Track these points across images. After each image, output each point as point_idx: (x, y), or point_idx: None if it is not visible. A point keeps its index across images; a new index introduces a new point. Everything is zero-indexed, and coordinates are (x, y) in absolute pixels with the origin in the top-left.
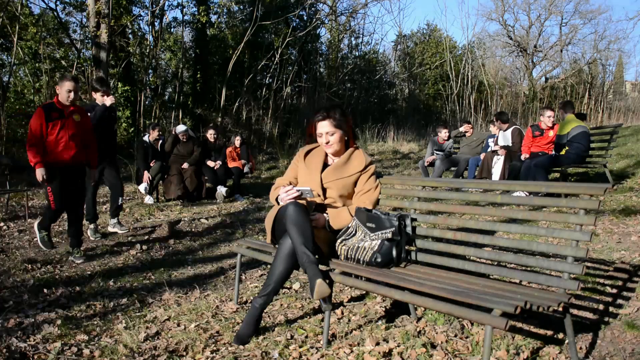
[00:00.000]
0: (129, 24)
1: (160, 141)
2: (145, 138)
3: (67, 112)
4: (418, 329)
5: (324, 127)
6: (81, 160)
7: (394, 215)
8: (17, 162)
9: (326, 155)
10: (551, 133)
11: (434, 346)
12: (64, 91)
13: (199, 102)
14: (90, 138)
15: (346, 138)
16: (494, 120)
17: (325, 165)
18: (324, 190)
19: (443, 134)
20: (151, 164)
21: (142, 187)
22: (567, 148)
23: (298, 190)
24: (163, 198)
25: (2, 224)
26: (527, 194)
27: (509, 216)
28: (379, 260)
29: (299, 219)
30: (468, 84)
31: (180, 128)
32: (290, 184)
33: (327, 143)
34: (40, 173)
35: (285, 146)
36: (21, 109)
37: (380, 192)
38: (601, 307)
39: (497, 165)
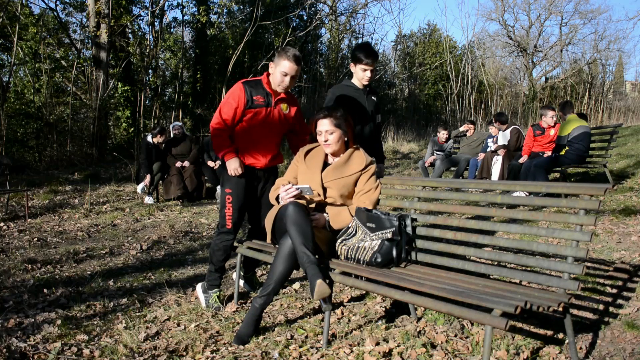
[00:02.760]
0: (129, 24)
1: (164, 144)
2: (149, 139)
3: (276, 99)
4: (418, 329)
5: (324, 126)
6: (277, 165)
7: (394, 216)
8: (17, 162)
9: (326, 154)
10: (552, 132)
11: (434, 346)
12: (278, 73)
13: (199, 102)
14: (296, 133)
15: (346, 139)
16: (493, 121)
17: (325, 164)
18: (324, 189)
19: (442, 135)
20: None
21: (140, 188)
22: (567, 148)
23: (297, 189)
24: (163, 198)
25: (2, 224)
26: (527, 194)
27: (509, 216)
28: (379, 260)
29: (299, 219)
30: (468, 84)
31: (175, 124)
32: (290, 183)
33: (325, 141)
34: (234, 165)
35: (285, 146)
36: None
37: (380, 192)
38: (601, 307)
39: (496, 165)
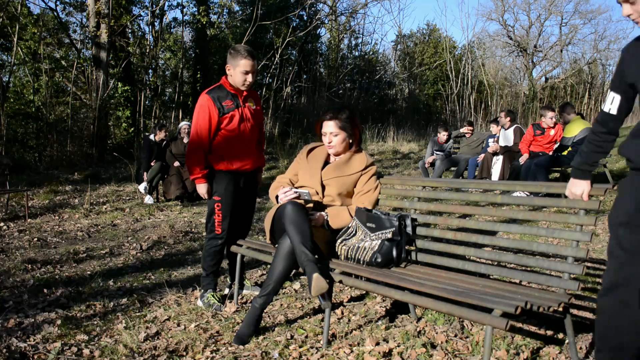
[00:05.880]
0: (129, 24)
1: (165, 142)
2: (151, 137)
3: (242, 97)
4: (418, 329)
5: (329, 127)
6: (260, 165)
7: (394, 216)
8: (17, 162)
9: (329, 153)
10: (552, 132)
11: (434, 346)
12: (238, 73)
13: None
14: (262, 131)
15: (350, 141)
16: (502, 116)
17: (327, 163)
18: (323, 187)
19: (442, 135)
20: (152, 164)
21: (142, 187)
22: (570, 149)
23: (296, 192)
24: (163, 198)
25: (2, 224)
26: (527, 194)
27: (509, 216)
28: (379, 260)
29: (297, 218)
30: (468, 84)
31: (183, 123)
32: (290, 181)
33: (329, 143)
34: (202, 190)
35: (285, 146)
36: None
37: (379, 194)
38: None
39: (497, 165)
